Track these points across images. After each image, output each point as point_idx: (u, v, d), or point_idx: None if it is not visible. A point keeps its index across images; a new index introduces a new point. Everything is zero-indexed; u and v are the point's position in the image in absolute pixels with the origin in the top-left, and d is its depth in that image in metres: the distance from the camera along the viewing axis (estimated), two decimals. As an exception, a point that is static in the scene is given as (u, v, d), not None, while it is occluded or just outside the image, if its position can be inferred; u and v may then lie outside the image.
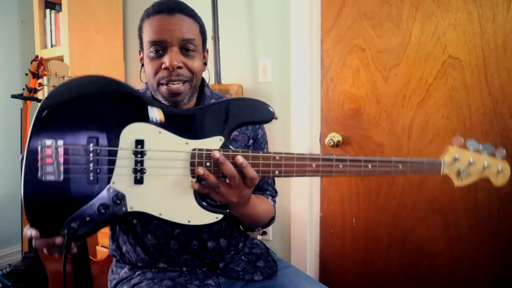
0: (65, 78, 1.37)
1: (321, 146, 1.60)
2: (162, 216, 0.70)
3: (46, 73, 1.56)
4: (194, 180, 0.70)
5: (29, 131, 0.64)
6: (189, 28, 0.82)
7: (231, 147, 0.71)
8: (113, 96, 0.69)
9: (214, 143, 0.71)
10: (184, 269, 0.90)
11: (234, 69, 1.76)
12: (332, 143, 1.53)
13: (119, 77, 1.82)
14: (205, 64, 0.91)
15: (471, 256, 1.33)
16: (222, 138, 0.71)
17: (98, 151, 0.66)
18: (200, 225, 0.73)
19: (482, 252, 1.31)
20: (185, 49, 0.82)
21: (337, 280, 1.63)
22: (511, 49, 1.21)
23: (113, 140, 0.67)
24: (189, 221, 0.71)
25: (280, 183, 1.06)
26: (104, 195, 0.67)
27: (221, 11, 1.69)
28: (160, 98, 0.82)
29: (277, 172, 0.72)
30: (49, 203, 0.65)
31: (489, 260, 1.31)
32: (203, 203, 0.72)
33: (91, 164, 0.66)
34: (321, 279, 1.65)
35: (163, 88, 0.81)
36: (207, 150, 0.70)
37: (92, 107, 0.68)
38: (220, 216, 0.72)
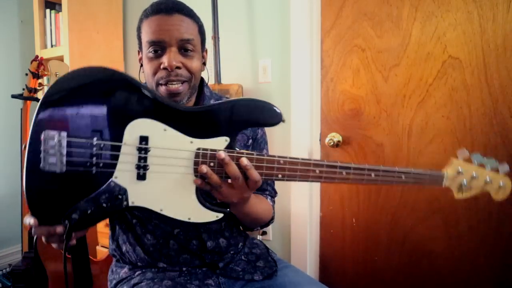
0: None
1: (321, 146, 1.60)
2: (163, 212, 0.70)
3: (46, 73, 1.57)
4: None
5: (33, 119, 0.64)
6: (187, 28, 0.82)
7: (236, 148, 0.71)
8: (121, 90, 0.68)
9: (219, 143, 0.70)
10: (184, 269, 0.90)
11: (234, 69, 1.76)
12: (332, 143, 1.53)
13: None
14: (204, 64, 0.91)
15: (471, 256, 1.33)
16: (228, 139, 0.71)
17: (102, 145, 0.66)
18: (200, 223, 0.72)
19: (482, 252, 1.31)
20: (183, 49, 0.82)
21: (337, 280, 1.63)
22: (511, 49, 1.20)
23: (117, 134, 0.67)
24: (189, 219, 0.71)
25: (280, 183, 1.05)
26: (106, 189, 0.66)
27: (221, 11, 1.69)
28: None
29: (280, 176, 0.72)
30: (51, 193, 0.65)
31: (489, 260, 1.30)
32: (204, 201, 0.71)
33: (94, 158, 0.65)
34: (321, 279, 1.65)
35: (162, 88, 0.81)
36: (212, 150, 0.69)
37: (98, 99, 0.67)
38: (221, 215, 0.72)
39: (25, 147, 0.64)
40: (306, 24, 1.55)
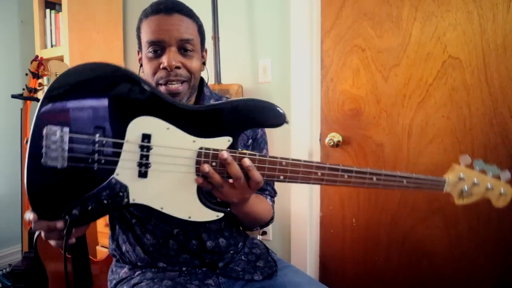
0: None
1: (321, 146, 1.60)
2: (164, 210, 0.70)
3: (46, 73, 1.57)
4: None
5: (35, 113, 0.63)
6: (187, 28, 0.82)
7: (239, 149, 0.71)
8: (124, 86, 0.67)
9: (222, 143, 0.70)
10: (184, 269, 0.90)
11: (234, 69, 1.76)
12: (332, 143, 1.53)
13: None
14: (203, 64, 0.91)
15: (471, 256, 1.33)
16: (231, 139, 0.70)
17: (104, 142, 0.66)
18: (200, 222, 0.72)
19: (482, 252, 1.31)
20: (183, 49, 0.82)
21: (337, 280, 1.63)
22: (511, 49, 1.20)
23: (120, 131, 0.66)
24: (189, 217, 0.71)
25: (280, 183, 1.06)
26: (107, 186, 0.66)
27: (221, 11, 1.69)
28: None
29: (282, 177, 0.71)
30: (51, 188, 0.65)
31: (489, 260, 1.30)
32: (205, 200, 0.71)
33: (96, 155, 0.65)
34: (321, 279, 1.65)
35: (162, 88, 0.81)
36: (214, 149, 0.69)
37: (102, 96, 0.66)
38: (221, 214, 0.72)
39: (27, 141, 0.64)
40: (306, 24, 1.55)
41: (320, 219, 1.66)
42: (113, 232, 0.95)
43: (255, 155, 0.70)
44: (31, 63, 1.55)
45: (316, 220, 1.65)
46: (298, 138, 1.61)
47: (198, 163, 0.69)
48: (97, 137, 0.65)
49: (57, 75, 0.64)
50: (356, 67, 1.48)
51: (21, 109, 1.58)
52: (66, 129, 0.64)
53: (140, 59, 0.88)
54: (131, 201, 0.68)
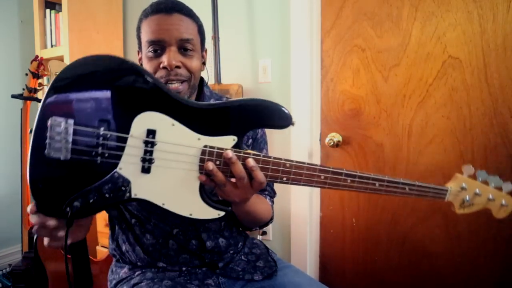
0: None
1: (321, 146, 1.60)
2: (165, 207, 0.70)
3: (46, 73, 1.57)
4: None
5: (40, 104, 0.63)
6: (187, 28, 0.82)
7: (245, 148, 0.71)
8: (131, 81, 0.67)
9: (226, 142, 0.70)
10: (184, 269, 0.90)
11: (234, 69, 1.76)
12: (332, 143, 1.53)
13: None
14: (203, 63, 0.91)
15: (471, 256, 1.33)
16: (236, 138, 0.70)
17: (108, 135, 0.65)
18: (201, 220, 0.72)
19: (482, 252, 1.31)
20: (183, 49, 0.82)
21: (337, 280, 1.63)
22: (511, 49, 1.20)
23: (125, 126, 0.66)
24: (191, 214, 0.71)
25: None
26: (109, 179, 0.66)
27: (221, 11, 1.69)
28: None
29: (284, 179, 0.71)
30: (54, 180, 0.64)
31: (489, 260, 1.30)
32: (207, 198, 0.71)
33: (100, 148, 0.65)
34: (321, 279, 1.65)
35: None
36: (219, 148, 0.69)
37: (108, 89, 0.66)
38: (222, 213, 0.72)
39: (31, 131, 0.64)
40: (306, 24, 1.55)
41: (320, 219, 1.65)
42: (113, 232, 0.95)
43: (259, 155, 0.70)
44: (31, 63, 1.55)
45: (316, 220, 1.65)
46: (298, 138, 1.61)
47: (202, 161, 0.69)
48: (101, 130, 0.65)
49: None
50: (356, 67, 1.48)
51: (21, 109, 1.58)
52: (71, 121, 0.63)
53: (140, 59, 0.88)
54: (133, 196, 0.68)
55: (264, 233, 1.73)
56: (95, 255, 1.64)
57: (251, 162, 0.68)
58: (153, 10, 0.81)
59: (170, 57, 0.79)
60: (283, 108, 0.70)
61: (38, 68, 1.54)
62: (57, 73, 0.64)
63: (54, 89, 0.63)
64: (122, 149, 0.66)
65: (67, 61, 1.88)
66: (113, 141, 0.65)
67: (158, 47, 0.80)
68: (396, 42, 1.39)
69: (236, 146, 0.70)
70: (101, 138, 0.65)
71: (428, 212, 1.39)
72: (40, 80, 1.57)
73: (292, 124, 0.70)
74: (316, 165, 0.72)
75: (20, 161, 1.60)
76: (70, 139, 0.63)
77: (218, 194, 0.73)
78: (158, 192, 0.69)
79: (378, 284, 1.53)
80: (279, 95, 1.65)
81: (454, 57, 1.29)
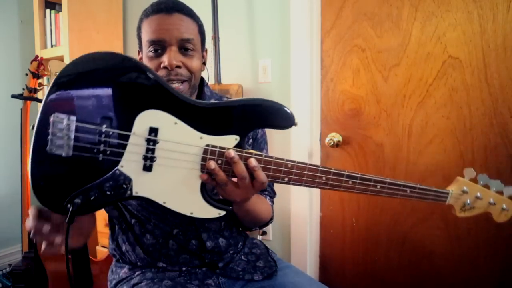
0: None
1: (321, 146, 1.60)
2: (166, 205, 0.70)
3: (46, 73, 1.57)
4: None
5: (43, 100, 0.63)
6: (187, 27, 0.82)
7: (247, 148, 0.71)
8: (135, 78, 0.67)
9: (229, 141, 0.70)
10: (184, 269, 0.90)
11: (234, 69, 1.76)
12: (332, 143, 1.53)
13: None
14: (204, 63, 0.91)
15: (471, 256, 1.33)
16: (238, 137, 0.70)
17: (111, 133, 0.65)
18: (202, 219, 0.72)
19: (482, 253, 1.31)
20: (183, 49, 0.82)
21: (337, 280, 1.63)
22: (511, 49, 1.20)
23: (127, 123, 0.66)
24: (191, 213, 0.71)
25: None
26: (110, 177, 0.66)
27: (221, 11, 1.69)
28: None
29: (286, 179, 0.71)
30: (55, 177, 0.64)
31: (489, 260, 1.30)
32: (208, 198, 0.71)
33: (102, 145, 0.65)
34: (321, 279, 1.65)
35: None
36: (221, 147, 0.69)
37: (111, 86, 0.66)
38: (223, 212, 0.72)
39: (32, 127, 0.63)
40: (306, 24, 1.55)
41: (320, 219, 1.65)
42: (113, 232, 0.95)
43: (261, 155, 0.70)
44: (31, 63, 1.55)
45: (316, 220, 1.65)
46: (298, 138, 1.61)
47: (203, 160, 0.69)
48: (104, 127, 0.65)
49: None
50: (356, 67, 1.48)
51: (21, 109, 1.58)
52: (73, 118, 0.63)
53: (141, 59, 0.88)
54: (134, 194, 0.68)
55: (264, 233, 1.73)
56: (95, 255, 1.64)
57: (253, 162, 0.68)
58: (154, 10, 0.81)
59: (170, 57, 0.79)
60: (286, 109, 0.70)
61: (38, 68, 1.54)
62: (57, 73, 0.64)
63: (57, 85, 0.63)
64: (124, 146, 0.66)
65: (67, 61, 1.88)
66: (115, 139, 0.65)
67: (159, 46, 0.81)
68: (396, 42, 1.39)
69: (238, 146, 0.70)
70: (103, 136, 0.65)
71: (428, 212, 1.39)
72: (40, 80, 1.57)
73: (295, 124, 0.70)
74: (318, 166, 0.72)
75: (20, 161, 1.60)
76: (72, 135, 0.63)
77: (219, 193, 0.73)
78: (159, 191, 0.69)
79: (378, 284, 1.53)
80: (279, 95, 1.65)
81: (454, 57, 1.29)
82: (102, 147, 0.65)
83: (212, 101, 0.94)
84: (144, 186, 0.68)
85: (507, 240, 1.27)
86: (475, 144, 1.29)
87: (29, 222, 0.65)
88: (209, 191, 0.72)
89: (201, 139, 0.69)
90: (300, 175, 0.71)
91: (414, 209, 1.42)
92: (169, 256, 0.89)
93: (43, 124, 0.62)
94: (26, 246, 1.56)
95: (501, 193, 0.82)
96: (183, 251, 0.89)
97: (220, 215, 0.72)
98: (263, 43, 1.70)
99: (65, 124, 0.63)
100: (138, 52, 0.90)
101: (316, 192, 1.64)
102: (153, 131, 0.67)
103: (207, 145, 0.69)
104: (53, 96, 0.63)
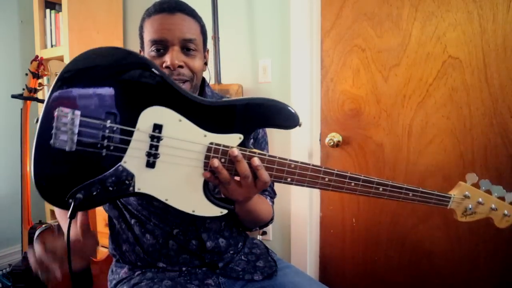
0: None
1: (321, 146, 1.60)
2: (168, 202, 0.70)
3: (46, 73, 1.57)
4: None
5: (47, 94, 0.63)
6: (190, 28, 0.82)
7: (250, 147, 0.71)
8: (141, 75, 0.66)
9: (232, 140, 0.70)
10: (184, 269, 0.90)
11: (234, 69, 1.76)
12: (332, 143, 1.53)
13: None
14: (205, 64, 0.92)
15: (471, 257, 1.33)
16: (242, 136, 0.70)
17: (115, 128, 0.65)
18: (203, 217, 0.72)
19: (482, 253, 1.31)
20: (186, 49, 0.82)
21: (337, 280, 1.63)
22: (511, 49, 1.21)
23: (131, 119, 0.66)
24: (193, 211, 0.71)
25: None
26: (113, 172, 0.66)
27: (221, 11, 1.69)
28: None
29: (289, 180, 0.71)
30: (58, 171, 0.64)
31: (489, 260, 1.30)
32: (210, 196, 0.71)
33: (106, 140, 0.65)
34: (321, 279, 1.65)
35: None
36: (224, 146, 0.69)
37: (116, 82, 0.65)
38: (225, 211, 0.72)
39: (37, 121, 0.63)
40: (306, 24, 1.55)
41: (320, 219, 1.66)
42: (113, 232, 0.95)
43: (264, 155, 0.70)
44: (31, 63, 1.55)
45: (316, 220, 1.65)
46: (298, 138, 1.61)
47: (207, 158, 0.69)
48: (108, 123, 0.64)
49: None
50: (356, 67, 1.48)
51: (21, 109, 1.58)
52: (78, 112, 0.63)
53: (142, 59, 0.88)
54: (136, 190, 0.68)
55: (264, 233, 1.73)
56: (95, 255, 1.63)
57: (256, 161, 0.68)
58: (156, 10, 0.81)
59: (173, 57, 0.79)
60: (290, 108, 0.70)
61: (38, 68, 1.54)
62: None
63: (62, 80, 0.63)
64: (127, 142, 0.66)
65: (67, 61, 1.87)
66: (119, 134, 0.65)
67: (161, 46, 0.80)
68: (396, 42, 1.39)
69: (242, 145, 0.70)
70: (107, 131, 0.65)
71: (428, 213, 1.39)
72: (40, 80, 1.57)
73: (299, 125, 0.70)
74: (321, 166, 0.72)
75: (20, 161, 1.59)
76: (76, 130, 0.63)
77: (222, 192, 0.73)
78: (161, 187, 0.69)
79: (378, 284, 1.53)
80: (279, 95, 1.65)
81: (454, 57, 1.29)
82: (105, 142, 0.65)
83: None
84: (147, 182, 0.68)
85: (507, 240, 1.27)
86: (475, 144, 1.29)
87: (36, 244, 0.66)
88: (211, 190, 0.72)
89: (205, 137, 0.69)
90: (303, 175, 0.71)
91: (414, 209, 1.42)
92: (169, 256, 0.89)
93: (47, 118, 0.62)
94: (26, 246, 1.55)
95: (502, 199, 0.82)
96: (183, 251, 0.89)
97: (222, 213, 0.72)
98: (263, 43, 1.70)
99: (69, 119, 0.62)
100: (140, 51, 0.90)
101: (316, 192, 1.64)
102: (157, 127, 0.67)
103: (211, 143, 0.69)
104: (58, 90, 0.63)
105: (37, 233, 1.37)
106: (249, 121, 0.70)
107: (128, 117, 0.66)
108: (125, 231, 0.91)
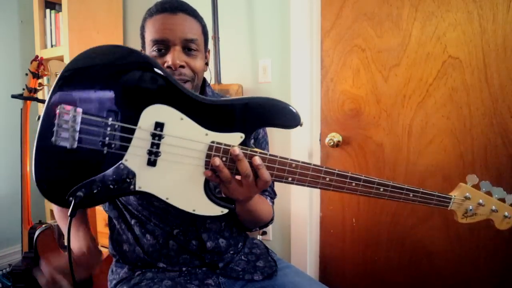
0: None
1: (321, 146, 1.60)
2: (169, 201, 0.69)
3: (46, 73, 1.57)
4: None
5: (50, 91, 0.63)
6: (191, 28, 0.82)
7: (252, 146, 0.71)
8: (143, 73, 0.66)
9: (234, 139, 0.70)
10: (184, 269, 0.90)
11: (234, 69, 1.76)
12: (332, 143, 1.53)
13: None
14: (206, 64, 0.92)
15: (471, 257, 1.33)
16: (243, 135, 0.70)
17: (116, 126, 0.65)
18: (204, 216, 0.72)
19: (483, 253, 1.31)
20: (187, 49, 0.82)
21: (337, 280, 1.63)
22: (511, 49, 1.20)
23: (133, 117, 0.66)
24: (194, 210, 0.71)
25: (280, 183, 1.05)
26: (114, 171, 0.66)
27: (221, 11, 1.69)
28: None
29: (290, 179, 0.71)
30: (58, 169, 0.64)
31: (489, 260, 1.30)
32: (211, 195, 0.71)
33: (107, 138, 0.65)
34: (321, 279, 1.65)
35: None
36: (226, 144, 0.69)
37: (118, 80, 0.65)
38: (226, 210, 0.72)
39: (38, 118, 0.63)
40: (306, 24, 1.55)
41: (320, 219, 1.65)
42: (113, 232, 0.95)
43: (266, 154, 0.70)
44: (31, 63, 1.54)
45: (316, 220, 1.65)
46: (298, 138, 1.61)
47: (208, 156, 0.69)
48: (110, 120, 0.64)
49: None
50: (356, 67, 1.48)
51: (21, 109, 1.58)
52: (80, 110, 0.63)
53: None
54: (137, 188, 0.67)
55: (264, 233, 1.73)
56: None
57: (257, 160, 0.68)
58: (158, 10, 0.81)
59: (174, 57, 0.79)
60: (292, 108, 0.70)
61: (38, 68, 1.54)
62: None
63: (64, 78, 0.63)
64: (129, 140, 0.66)
65: (67, 61, 1.87)
66: (120, 132, 0.65)
67: (163, 46, 0.80)
68: (396, 42, 1.39)
69: (243, 144, 0.70)
70: (109, 129, 0.65)
71: (428, 213, 1.39)
72: (40, 80, 1.56)
73: (300, 124, 0.70)
74: (322, 166, 0.72)
75: (20, 161, 1.59)
76: (78, 127, 0.63)
77: (222, 191, 0.73)
78: (162, 186, 0.69)
79: (378, 284, 1.53)
80: (279, 95, 1.65)
81: (454, 57, 1.29)
82: (107, 140, 0.65)
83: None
84: (148, 181, 0.68)
85: (507, 240, 1.27)
86: (475, 144, 1.29)
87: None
88: (212, 189, 0.72)
89: (207, 135, 0.69)
90: (304, 175, 0.71)
91: (414, 209, 1.42)
92: (169, 257, 0.89)
93: (49, 115, 0.62)
94: (26, 246, 1.55)
95: (503, 200, 0.82)
96: (183, 251, 0.89)
97: (223, 213, 0.72)
98: (263, 43, 1.70)
99: (71, 116, 0.62)
100: (141, 51, 0.90)
101: (316, 192, 1.64)
102: (159, 126, 0.67)
103: (212, 142, 0.69)
104: (60, 88, 0.63)
105: (37, 233, 1.37)
106: (251, 120, 0.70)
107: (130, 115, 0.66)
108: (125, 231, 0.91)
